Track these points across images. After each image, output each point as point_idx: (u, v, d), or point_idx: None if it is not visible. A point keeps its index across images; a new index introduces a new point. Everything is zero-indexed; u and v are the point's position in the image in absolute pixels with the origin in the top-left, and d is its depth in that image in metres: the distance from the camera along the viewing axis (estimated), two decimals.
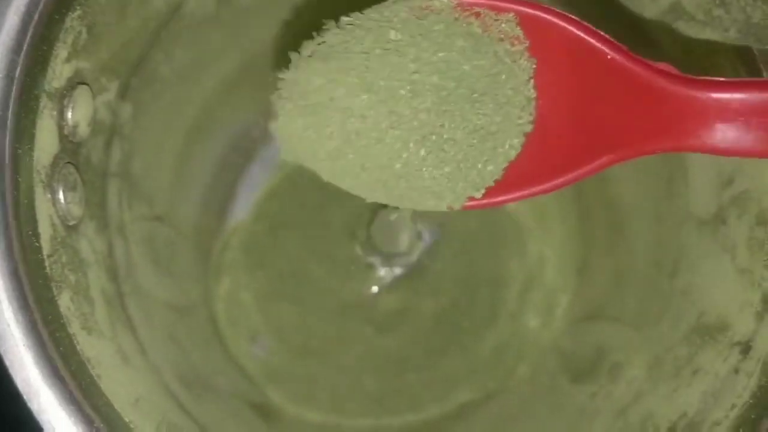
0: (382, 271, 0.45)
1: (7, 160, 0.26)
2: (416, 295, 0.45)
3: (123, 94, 0.33)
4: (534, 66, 0.28)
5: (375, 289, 0.45)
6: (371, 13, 0.27)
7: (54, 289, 0.27)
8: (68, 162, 0.29)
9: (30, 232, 0.26)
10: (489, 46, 0.27)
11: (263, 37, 0.39)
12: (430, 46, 0.26)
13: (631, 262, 0.41)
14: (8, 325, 0.25)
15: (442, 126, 0.26)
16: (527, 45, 0.28)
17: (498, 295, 0.45)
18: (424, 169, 0.27)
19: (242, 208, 0.45)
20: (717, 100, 0.26)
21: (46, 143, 0.28)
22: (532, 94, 0.28)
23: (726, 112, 0.26)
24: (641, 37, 0.34)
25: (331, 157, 0.27)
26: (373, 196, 0.28)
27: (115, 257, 0.33)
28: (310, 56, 0.27)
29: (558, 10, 0.27)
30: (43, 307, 0.26)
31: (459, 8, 0.27)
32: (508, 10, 0.27)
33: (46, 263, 0.27)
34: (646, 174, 0.39)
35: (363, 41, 0.26)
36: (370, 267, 0.45)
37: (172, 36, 0.34)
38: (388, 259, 0.44)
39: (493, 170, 0.28)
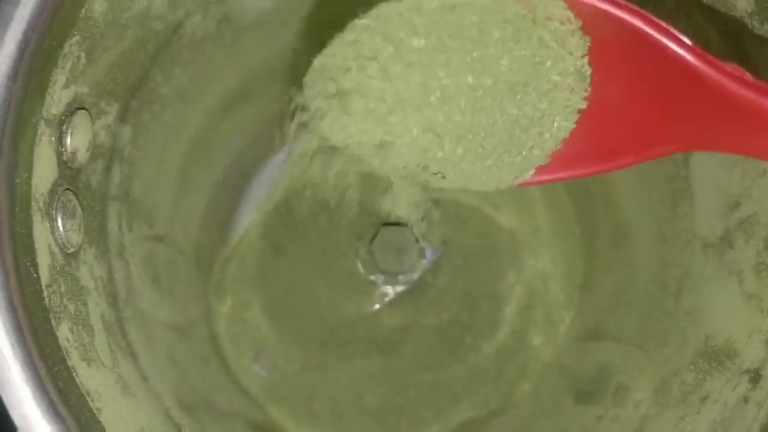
0: (384, 289, 0.44)
1: (4, 190, 0.25)
2: (418, 312, 0.45)
3: (123, 116, 0.32)
4: (588, 44, 0.27)
5: (377, 306, 0.44)
6: (389, 9, 0.25)
7: (53, 320, 0.26)
8: (67, 188, 0.29)
9: (28, 263, 0.26)
10: (532, 31, 0.26)
11: (263, 56, 0.39)
12: (461, 47, 0.25)
13: (634, 281, 0.40)
14: (5, 359, 0.24)
15: (479, 124, 0.26)
16: (580, 24, 0.26)
17: (500, 312, 0.45)
18: (463, 164, 0.26)
19: (243, 226, 0.45)
20: None
21: (44, 171, 0.27)
22: (587, 71, 0.27)
23: None
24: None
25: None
26: (413, 180, 0.27)
27: (115, 282, 0.32)
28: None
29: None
30: (42, 340, 0.25)
31: None
32: None
33: (45, 294, 0.26)
34: (650, 193, 0.39)
35: (381, 54, 0.25)
36: (372, 284, 0.44)
37: (171, 56, 0.34)
38: (391, 276, 0.44)
39: (540, 154, 0.27)
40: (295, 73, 0.39)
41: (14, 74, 0.25)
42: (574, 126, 0.27)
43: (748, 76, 0.25)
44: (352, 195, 0.40)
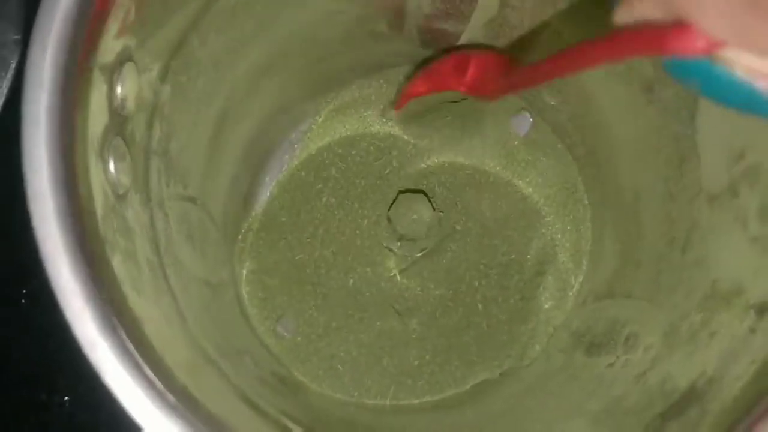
0: (401, 255, 0.46)
1: (66, 127, 0.27)
2: (434, 279, 0.46)
3: (163, 76, 0.34)
4: None
5: (394, 272, 0.46)
6: None
7: (108, 250, 0.28)
8: (116, 134, 0.31)
9: (87, 195, 0.28)
10: None
11: (292, 29, 0.41)
12: None
13: (641, 241, 0.42)
14: (68, 281, 0.26)
15: None
16: None
17: (511, 279, 0.47)
18: None
19: (265, 196, 0.46)
20: None
21: (98, 115, 0.29)
22: None
23: None
24: None
25: None
26: None
27: (156, 230, 0.34)
28: None
29: None
30: (99, 264, 0.27)
31: None
32: None
33: (100, 225, 0.28)
34: (657, 155, 0.41)
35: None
36: (390, 251, 0.46)
37: (207, 21, 0.36)
38: (408, 243, 0.46)
39: None
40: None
41: (76, 16, 0.27)
42: None
43: None
44: (370, 163, 0.42)
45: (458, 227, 0.47)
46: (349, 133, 0.47)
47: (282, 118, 0.45)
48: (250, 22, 0.39)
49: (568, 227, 0.47)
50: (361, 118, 0.47)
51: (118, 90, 0.31)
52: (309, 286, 0.46)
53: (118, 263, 0.29)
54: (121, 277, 0.28)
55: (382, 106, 0.46)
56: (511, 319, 0.46)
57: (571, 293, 0.46)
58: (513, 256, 0.47)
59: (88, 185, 0.28)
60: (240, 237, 0.46)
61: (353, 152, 0.46)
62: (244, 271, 0.45)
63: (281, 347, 0.45)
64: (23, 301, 0.46)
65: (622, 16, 0.26)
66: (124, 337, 0.27)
